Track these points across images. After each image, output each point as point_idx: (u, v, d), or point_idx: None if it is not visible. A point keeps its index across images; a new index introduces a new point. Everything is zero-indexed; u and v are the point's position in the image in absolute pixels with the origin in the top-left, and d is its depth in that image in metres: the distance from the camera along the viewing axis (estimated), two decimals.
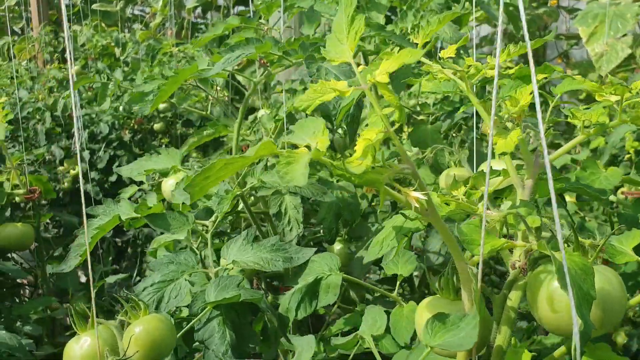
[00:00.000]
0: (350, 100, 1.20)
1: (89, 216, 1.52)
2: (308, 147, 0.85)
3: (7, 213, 2.36)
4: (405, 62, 0.81)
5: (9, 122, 2.30)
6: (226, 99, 1.98)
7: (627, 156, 2.71)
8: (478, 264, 0.83)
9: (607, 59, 3.54)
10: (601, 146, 2.97)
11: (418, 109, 2.15)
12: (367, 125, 0.87)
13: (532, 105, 1.74)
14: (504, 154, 0.90)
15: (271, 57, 1.49)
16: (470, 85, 1.07)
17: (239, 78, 3.40)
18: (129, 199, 2.29)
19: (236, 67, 2.77)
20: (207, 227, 1.61)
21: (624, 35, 3.48)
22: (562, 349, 0.92)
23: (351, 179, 0.77)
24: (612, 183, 1.28)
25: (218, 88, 1.86)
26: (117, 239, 4.05)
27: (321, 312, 1.74)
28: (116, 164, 4.16)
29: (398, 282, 1.33)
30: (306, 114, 0.91)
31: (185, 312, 1.51)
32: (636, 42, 3.43)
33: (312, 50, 1.39)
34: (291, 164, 0.79)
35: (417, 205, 0.80)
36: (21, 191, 2.34)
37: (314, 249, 1.36)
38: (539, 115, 0.68)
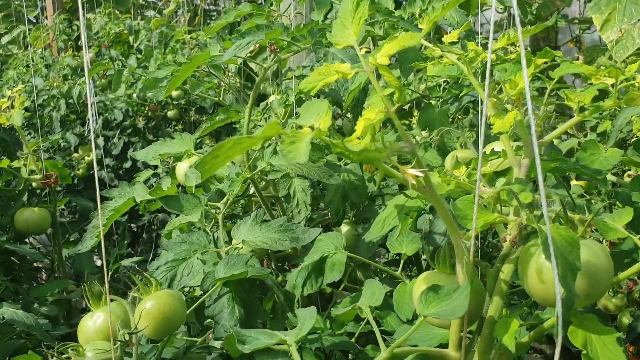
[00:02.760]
0: (357, 85, 1.24)
1: (104, 199, 1.58)
2: (312, 127, 0.89)
3: (24, 198, 2.42)
4: (405, 45, 0.85)
5: (26, 109, 2.35)
6: (238, 85, 2.02)
7: (633, 139, 2.73)
8: (472, 238, 0.88)
9: (622, 45, 3.54)
10: (609, 129, 2.99)
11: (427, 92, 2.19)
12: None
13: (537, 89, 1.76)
14: (500, 133, 0.93)
15: (281, 43, 1.53)
16: (472, 69, 1.11)
17: (252, 65, 3.44)
18: (144, 182, 2.35)
19: (249, 54, 2.81)
20: (219, 209, 1.66)
21: (639, 20, 3.47)
22: (552, 320, 0.97)
23: (350, 156, 0.81)
24: (611, 163, 1.32)
25: (230, 74, 1.91)
26: (133, 224, 4.12)
27: (328, 290, 1.79)
28: (131, 150, 4.22)
29: (402, 261, 1.37)
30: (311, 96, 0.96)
31: (198, 292, 1.57)
32: None
33: (320, 36, 1.43)
34: (295, 143, 0.84)
35: (414, 183, 0.85)
36: (38, 177, 2.40)
37: (320, 229, 1.41)
38: (528, 97, 0.72)
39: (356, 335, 1.46)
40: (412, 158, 0.87)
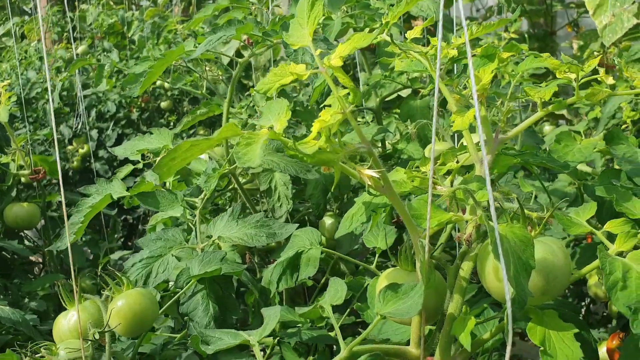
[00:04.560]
0: (322, 81, 1.24)
1: (83, 195, 1.58)
2: (271, 127, 0.89)
3: (13, 193, 2.43)
4: (357, 46, 0.85)
5: (20, 104, 2.34)
6: (220, 77, 2.02)
7: (623, 126, 2.73)
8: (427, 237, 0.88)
9: (611, 29, 3.52)
10: (599, 116, 2.99)
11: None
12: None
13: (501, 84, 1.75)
14: (459, 131, 0.93)
15: (254, 38, 1.53)
16: (435, 64, 1.11)
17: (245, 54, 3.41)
18: (129, 175, 2.36)
19: (242, 43, 2.80)
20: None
21: (633, 2, 3.46)
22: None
23: (303, 158, 0.81)
24: (585, 155, 1.32)
25: (207, 68, 1.91)
26: (129, 216, 4.13)
27: (309, 284, 1.79)
28: (125, 141, 4.22)
29: (377, 255, 1.38)
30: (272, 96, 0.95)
31: None
32: None
33: None
34: (250, 145, 0.84)
35: (370, 183, 0.85)
36: (26, 172, 2.40)
37: (296, 225, 1.41)
38: (475, 95, 0.72)
39: (337, 327, 1.46)
40: (369, 158, 0.87)
